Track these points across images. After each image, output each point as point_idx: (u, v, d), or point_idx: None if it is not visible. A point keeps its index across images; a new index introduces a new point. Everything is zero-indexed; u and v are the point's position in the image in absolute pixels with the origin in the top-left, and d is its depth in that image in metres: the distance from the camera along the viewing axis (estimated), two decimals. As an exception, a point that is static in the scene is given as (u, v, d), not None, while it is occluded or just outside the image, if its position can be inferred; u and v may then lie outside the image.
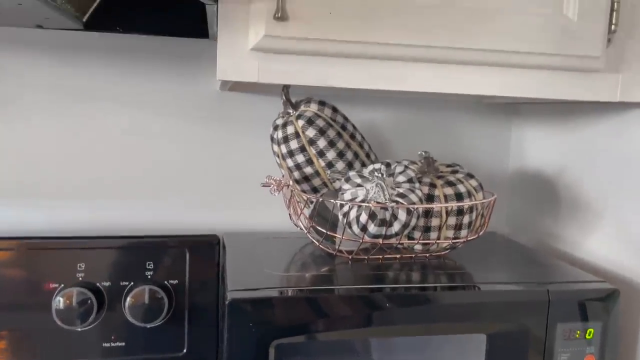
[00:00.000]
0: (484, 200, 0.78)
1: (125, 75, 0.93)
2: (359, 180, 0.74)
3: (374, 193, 0.71)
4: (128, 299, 0.82)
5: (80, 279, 0.82)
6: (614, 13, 0.71)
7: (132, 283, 0.83)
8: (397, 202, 0.71)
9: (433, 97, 1.03)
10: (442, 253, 0.82)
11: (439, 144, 1.06)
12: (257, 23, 0.62)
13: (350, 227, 0.73)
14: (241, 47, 0.64)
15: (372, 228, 0.71)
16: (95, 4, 0.84)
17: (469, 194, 0.78)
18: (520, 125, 1.07)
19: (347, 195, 0.73)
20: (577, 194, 0.91)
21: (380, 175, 0.73)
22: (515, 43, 0.69)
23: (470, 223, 0.78)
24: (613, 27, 0.71)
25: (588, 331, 0.71)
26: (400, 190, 0.72)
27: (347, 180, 0.75)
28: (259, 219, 1.00)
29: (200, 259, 0.86)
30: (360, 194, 0.72)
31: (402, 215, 0.72)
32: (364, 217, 0.71)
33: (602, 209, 0.86)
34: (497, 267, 0.81)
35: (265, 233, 0.95)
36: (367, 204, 0.71)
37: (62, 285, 0.82)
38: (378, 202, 0.71)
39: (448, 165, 0.84)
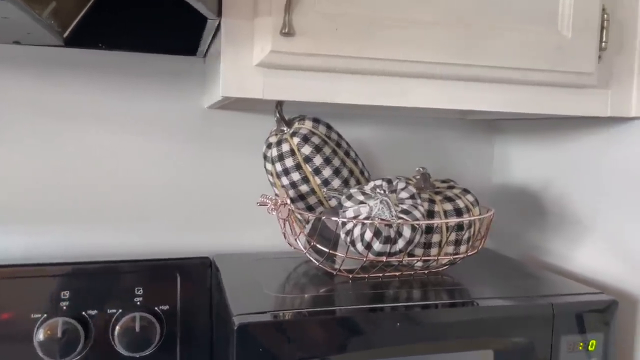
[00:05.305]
0: (484, 216, 0.78)
1: (109, 93, 0.89)
2: (361, 198, 0.73)
3: (378, 210, 0.70)
4: (117, 327, 0.78)
5: (64, 308, 0.78)
6: (604, 31, 0.74)
7: (120, 310, 0.79)
8: (401, 218, 0.71)
9: (419, 114, 1.04)
10: (441, 269, 0.82)
11: (421, 160, 1.07)
12: (263, 38, 0.61)
13: (353, 245, 0.72)
14: (246, 63, 0.62)
15: (376, 245, 0.70)
16: (76, 20, 0.81)
17: (467, 209, 0.78)
18: (503, 141, 1.09)
19: (350, 213, 0.72)
20: (563, 207, 0.93)
21: (383, 192, 0.72)
22: (511, 60, 0.70)
23: (469, 238, 0.78)
24: (603, 44, 0.74)
25: (590, 343, 0.72)
26: (404, 207, 0.72)
27: (349, 197, 0.73)
28: (249, 239, 0.97)
29: (191, 282, 0.83)
30: (364, 211, 0.71)
31: (406, 232, 0.71)
32: (368, 235, 0.70)
33: (589, 221, 0.88)
34: (495, 282, 0.81)
35: (257, 254, 0.93)
36: (371, 221, 0.70)
37: (45, 315, 0.77)
38: (382, 219, 0.70)
39: (443, 181, 0.84)
